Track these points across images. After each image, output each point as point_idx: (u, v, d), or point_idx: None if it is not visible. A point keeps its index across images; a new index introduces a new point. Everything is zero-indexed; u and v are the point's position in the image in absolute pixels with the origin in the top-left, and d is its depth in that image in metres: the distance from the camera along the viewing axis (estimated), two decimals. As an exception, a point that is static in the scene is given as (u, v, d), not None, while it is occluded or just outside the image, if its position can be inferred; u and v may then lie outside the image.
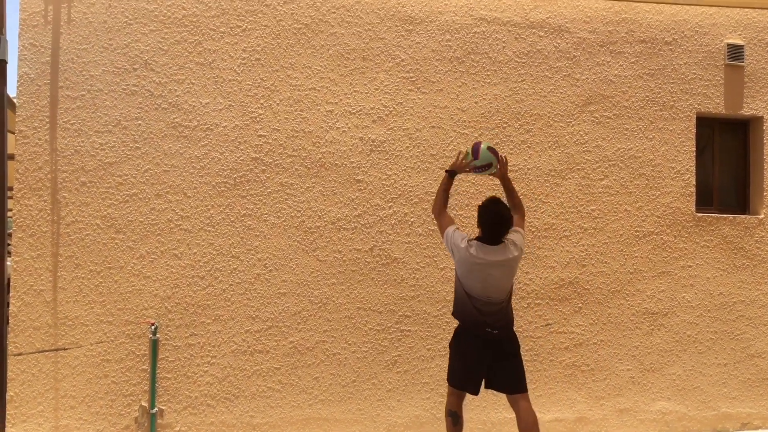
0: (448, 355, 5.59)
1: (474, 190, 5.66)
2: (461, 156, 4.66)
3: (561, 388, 5.80)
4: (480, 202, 4.62)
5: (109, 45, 5.17)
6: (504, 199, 4.66)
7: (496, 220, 4.44)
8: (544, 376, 5.76)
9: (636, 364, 5.95)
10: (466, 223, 5.52)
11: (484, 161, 4.57)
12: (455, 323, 4.65)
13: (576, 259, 5.86)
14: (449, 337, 5.51)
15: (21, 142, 5.02)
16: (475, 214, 4.65)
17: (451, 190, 4.82)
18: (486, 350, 4.43)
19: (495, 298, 4.42)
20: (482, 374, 4.50)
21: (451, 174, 4.66)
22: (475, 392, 4.53)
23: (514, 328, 4.63)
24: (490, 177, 5.00)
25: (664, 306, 6.02)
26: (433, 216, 4.87)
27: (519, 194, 4.84)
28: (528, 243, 5.60)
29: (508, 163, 4.82)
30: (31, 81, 5.05)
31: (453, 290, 5.56)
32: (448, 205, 4.77)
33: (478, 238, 4.49)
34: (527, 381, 4.60)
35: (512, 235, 4.52)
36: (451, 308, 4.70)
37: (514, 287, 4.65)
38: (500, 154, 4.71)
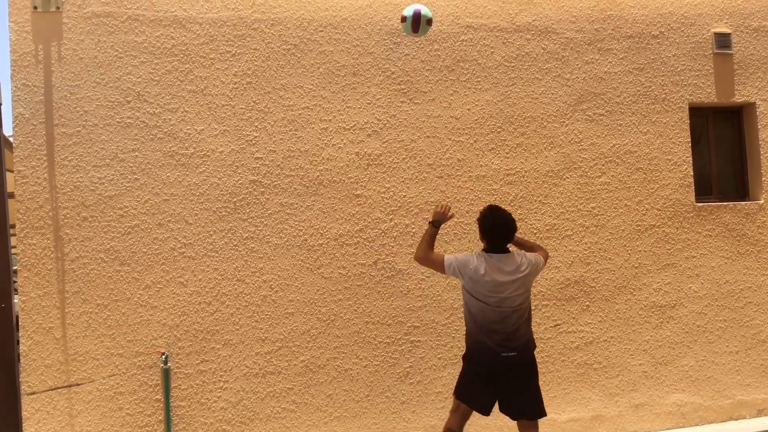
0: (458, 363, 5.58)
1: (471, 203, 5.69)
2: (441, 207, 4.60)
3: (575, 388, 5.80)
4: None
5: (101, 80, 5.20)
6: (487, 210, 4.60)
7: (497, 223, 4.40)
8: (557, 377, 5.75)
9: (648, 359, 5.95)
10: (467, 231, 5.55)
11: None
12: (464, 331, 4.63)
13: (580, 257, 5.87)
14: (459, 345, 5.54)
15: (20, 182, 5.04)
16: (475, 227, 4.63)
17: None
18: (500, 378, 4.28)
19: (510, 307, 4.28)
20: (494, 399, 4.37)
21: (435, 224, 4.54)
22: (486, 413, 4.40)
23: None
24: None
25: (672, 298, 6.03)
26: (418, 263, 4.63)
27: (532, 241, 4.92)
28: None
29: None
30: (26, 121, 5.08)
31: (460, 298, 5.57)
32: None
33: (483, 251, 4.46)
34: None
35: (529, 254, 4.50)
36: (460, 315, 4.68)
37: (531, 307, 4.51)
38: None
